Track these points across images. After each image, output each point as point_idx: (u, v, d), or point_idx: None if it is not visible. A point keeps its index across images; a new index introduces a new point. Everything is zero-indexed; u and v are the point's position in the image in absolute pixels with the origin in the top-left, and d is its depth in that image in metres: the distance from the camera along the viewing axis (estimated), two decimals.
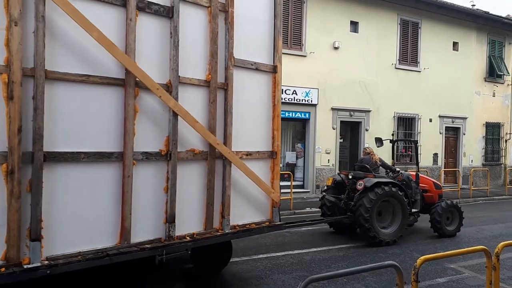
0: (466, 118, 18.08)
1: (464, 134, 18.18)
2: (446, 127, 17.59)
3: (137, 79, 4.20)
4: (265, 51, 5.50)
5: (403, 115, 16.32)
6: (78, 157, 3.88)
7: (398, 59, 16.12)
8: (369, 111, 15.45)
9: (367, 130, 15.40)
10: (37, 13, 3.56)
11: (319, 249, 7.70)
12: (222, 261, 5.91)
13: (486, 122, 18.90)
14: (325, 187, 9.56)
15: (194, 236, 4.75)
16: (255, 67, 5.36)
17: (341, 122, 15.02)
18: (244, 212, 5.30)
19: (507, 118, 19.75)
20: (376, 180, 8.27)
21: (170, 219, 4.52)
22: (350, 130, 15.67)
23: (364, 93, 15.33)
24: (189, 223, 4.74)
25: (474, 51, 18.21)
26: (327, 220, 8.76)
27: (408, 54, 16.38)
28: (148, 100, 4.37)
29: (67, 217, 3.83)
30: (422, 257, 3.55)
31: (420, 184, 9.38)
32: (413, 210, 8.90)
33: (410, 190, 8.99)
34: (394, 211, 8.43)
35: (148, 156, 4.37)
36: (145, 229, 4.37)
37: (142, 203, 4.33)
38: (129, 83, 4.16)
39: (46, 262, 3.65)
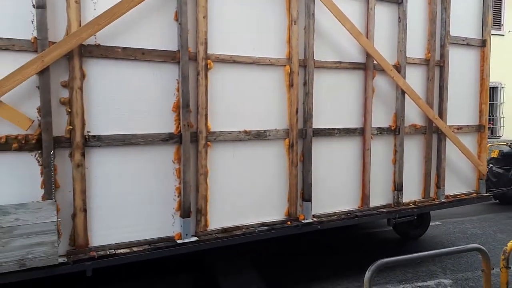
0: None
1: None
2: None
3: (374, 62, 4.70)
4: (474, 26, 5.57)
5: None
6: (333, 133, 4.57)
7: None
8: None
9: None
10: (308, 11, 4.24)
11: None
12: (424, 229, 6.27)
13: None
14: (489, 159, 9.33)
15: (416, 203, 5.20)
16: (466, 43, 5.48)
17: None
18: (453, 183, 5.57)
19: None
20: None
21: (398, 187, 5.03)
22: None
23: None
24: (411, 191, 5.21)
25: None
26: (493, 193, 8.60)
27: None
28: (380, 80, 4.86)
29: (326, 182, 4.57)
30: None
31: None
32: None
33: None
34: None
35: (381, 131, 4.90)
36: (378, 196, 4.95)
37: (376, 172, 4.89)
38: (369, 67, 4.70)
39: (315, 219, 4.45)
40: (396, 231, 6.27)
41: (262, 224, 4.20)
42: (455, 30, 5.35)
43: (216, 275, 4.88)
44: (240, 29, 3.97)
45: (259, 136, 4.13)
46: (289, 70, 4.20)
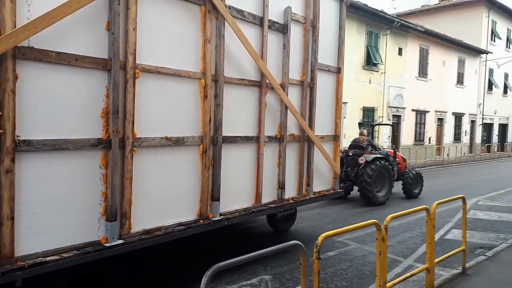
0: (346, 103, 19.43)
1: (344, 118, 19.35)
2: None
3: (267, 81, 5.56)
4: (332, 56, 7.00)
5: None
6: (237, 140, 5.22)
7: None
8: None
9: None
10: (219, 33, 4.81)
11: None
12: (292, 222, 7.42)
13: (363, 107, 20.84)
14: None
15: (294, 199, 6.25)
16: (328, 69, 6.85)
17: None
18: (317, 182, 6.85)
19: (380, 103, 22.01)
20: (374, 156, 10.52)
21: (282, 186, 5.98)
22: None
23: None
24: (289, 189, 6.22)
25: (355, 41, 19.67)
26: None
27: None
28: (270, 97, 5.74)
29: (231, 183, 5.18)
30: (323, 235, 3.47)
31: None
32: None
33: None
34: (383, 179, 10.68)
35: (270, 139, 5.77)
36: (267, 194, 5.80)
37: (266, 174, 5.74)
38: (263, 85, 5.53)
39: (222, 216, 5.01)
40: (270, 225, 7.27)
41: (180, 224, 4.55)
42: (321, 58, 6.66)
43: None
44: (164, 42, 4.29)
45: (178, 142, 4.49)
46: (204, 83, 4.69)
